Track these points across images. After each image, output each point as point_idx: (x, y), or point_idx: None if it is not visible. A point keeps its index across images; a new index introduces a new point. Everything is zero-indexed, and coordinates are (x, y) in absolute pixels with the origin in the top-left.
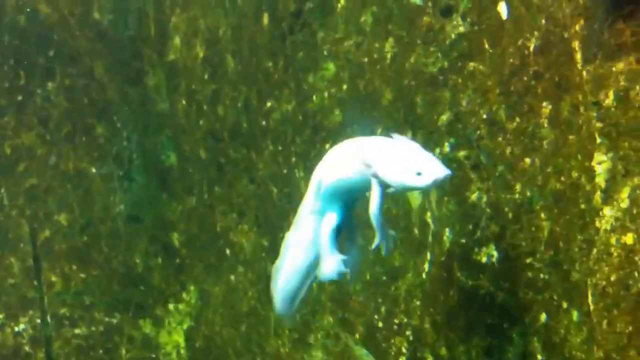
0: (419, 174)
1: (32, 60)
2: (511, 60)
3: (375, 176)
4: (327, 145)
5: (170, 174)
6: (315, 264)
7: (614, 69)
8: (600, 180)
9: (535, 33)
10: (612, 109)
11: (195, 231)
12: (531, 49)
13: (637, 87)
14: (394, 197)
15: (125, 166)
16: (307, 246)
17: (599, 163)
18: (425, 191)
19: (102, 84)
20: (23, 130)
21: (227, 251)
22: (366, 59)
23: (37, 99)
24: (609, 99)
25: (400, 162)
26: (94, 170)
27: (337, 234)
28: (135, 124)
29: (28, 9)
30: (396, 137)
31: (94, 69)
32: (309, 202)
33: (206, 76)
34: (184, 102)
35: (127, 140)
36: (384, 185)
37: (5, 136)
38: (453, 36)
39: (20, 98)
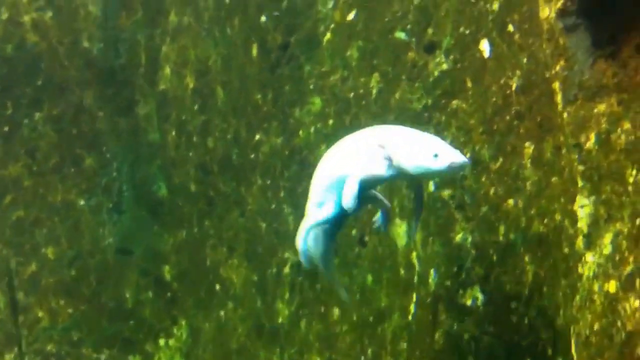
0: (435, 156)
1: (19, 90)
2: (494, 99)
3: (389, 159)
4: None
5: (162, 205)
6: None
7: (595, 110)
8: (583, 224)
9: (517, 72)
10: (594, 152)
11: (186, 265)
12: (513, 88)
13: (619, 130)
14: (380, 234)
15: (115, 198)
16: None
17: (581, 207)
18: (440, 176)
19: (92, 114)
20: (10, 162)
21: (217, 286)
22: (352, 94)
23: (24, 130)
24: (590, 142)
25: (417, 143)
26: (82, 202)
27: (335, 228)
28: (125, 154)
29: (15, 38)
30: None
31: (83, 98)
32: (317, 194)
33: (196, 107)
34: (173, 133)
35: (117, 172)
36: (396, 173)
37: None
38: (436, 73)
39: (6, 128)
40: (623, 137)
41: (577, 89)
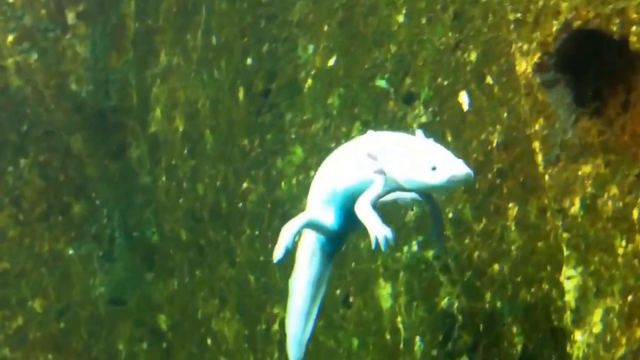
0: (434, 168)
1: (3, 136)
2: (475, 155)
3: (381, 172)
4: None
5: (156, 251)
6: (315, 298)
7: (579, 172)
8: (570, 298)
9: (498, 127)
10: (579, 219)
11: (178, 317)
12: (494, 144)
13: (605, 195)
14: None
15: (106, 245)
16: (307, 284)
17: (568, 278)
18: (441, 193)
19: (80, 159)
20: None
21: (209, 340)
22: (334, 144)
23: (9, 178)
24: (575, 207)
25: (413, 154)
26: (71, 251)
27: (333, 246)
28: (117, 199)
29: None
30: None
31: (71, 143)
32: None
33: (185, 151)
34: (164, 178)
35: (108, 218)
36: (390, 186)
37: None
38: (415, 126)
39: None
40: (610, 203)
41: (559, 149)
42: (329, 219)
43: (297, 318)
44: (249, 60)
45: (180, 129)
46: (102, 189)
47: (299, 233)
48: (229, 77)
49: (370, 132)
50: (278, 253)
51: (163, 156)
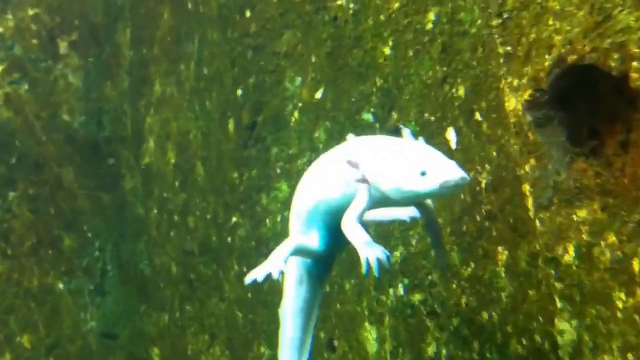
0: (423, 173)
1: None
2: (462, 196)
3: (364, 181)
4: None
5: (148, 284)
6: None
7: (574, 217)
8: (564, 354)
9: (487, 166)
10: (573, 267)
11: (168, 353)
12: (483, 184)
13: (602, 243)
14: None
15: (98, 279)
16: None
17: (561, 333)
18: (433, 198)
19: (71, 191)
20: None
21: None
22: None
23: None
24: (569, 255)
25: (398, 158)
26: (61, 285)
27: (321, 269)
28: (109, 231)
29: None
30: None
31: (62, 175)
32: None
33: (177, 183)
34: (155, 210)
35: (100, 250)
36: (376, 197)
37: None
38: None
39: None
40: (607, 252)
41: (551, 192)
42: (314, 241)
43: (290, 349)
44: (239, 92)
45: (172, 161)
46: (94, 221)
47: (285, 261)
48: (219, 109)
49: (350, 137)
50: (254, 276)
51: (155, 188)
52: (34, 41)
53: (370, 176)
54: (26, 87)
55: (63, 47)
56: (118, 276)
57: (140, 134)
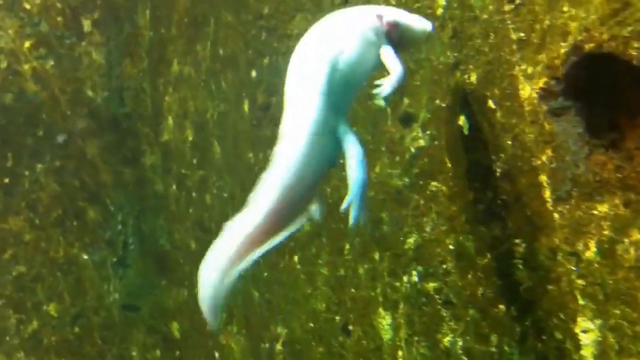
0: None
1: (19, 141)
2: (477, 184)
3: (390, 25)
4: (296, 257)
5: (168, 259)
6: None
7: (594, 212)
8: (588, 354)
9: (502, 155)
10: (595, 264)
11: (187, 328)
12: (497, 174)
13: (627, 241)
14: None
15: (120, 252)
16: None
17: (584, 331)
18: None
19: (95, 165)
20: (10, 215)
21: (217, 354)
22: None
23: (25, 182)
24: (590, 251)
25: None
26: (85, 256)
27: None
28: (131, 206)
29: (15, 87)
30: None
31: (86, 149)
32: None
33: (195, 161)
34: (174, 187)
35: (122, 224)
36: (391, 43)
37: None
38: (413, 150)
39: (6, 180)
40: (632, 250)
41: (570, 185)
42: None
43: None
44: (253, 73)
45: (190, 139)
46: (116, 195)
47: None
48: (235, 89)
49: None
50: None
51: (174, 165)
52: (59, 18)
53: (393, 17)
54: (52, 62)
55: (86, 25)
56: (139, 250)
57: (159, 112)
